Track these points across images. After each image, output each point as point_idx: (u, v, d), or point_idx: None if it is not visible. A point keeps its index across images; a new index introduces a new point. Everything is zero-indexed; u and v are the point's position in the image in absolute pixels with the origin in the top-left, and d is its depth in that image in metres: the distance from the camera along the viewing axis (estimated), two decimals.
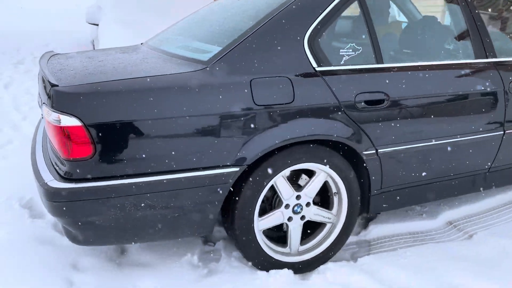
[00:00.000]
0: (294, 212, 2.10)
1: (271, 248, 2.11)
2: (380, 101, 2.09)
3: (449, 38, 2.52)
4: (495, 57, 2.43)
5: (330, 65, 2.05)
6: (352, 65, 2.10)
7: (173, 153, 1.79)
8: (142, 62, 2.12)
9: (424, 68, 2.23)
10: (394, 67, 2.17)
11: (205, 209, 1.90)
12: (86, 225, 1.79)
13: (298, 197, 2.09)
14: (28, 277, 1.96)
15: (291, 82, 1.94)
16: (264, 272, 2.06)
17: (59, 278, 1.98)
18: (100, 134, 1.70)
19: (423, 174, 2.29)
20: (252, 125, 1.87)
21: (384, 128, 2.12)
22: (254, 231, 2.01)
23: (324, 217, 2.17)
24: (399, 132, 2.16)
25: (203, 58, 1.98)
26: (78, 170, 1.72)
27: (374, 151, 2.12)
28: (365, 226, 2.62)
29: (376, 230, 2.55)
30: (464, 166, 2.41)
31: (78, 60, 2.22)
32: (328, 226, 2.21)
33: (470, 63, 2.39)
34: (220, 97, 1.82)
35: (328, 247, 2.20)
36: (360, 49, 2.11)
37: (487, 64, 2.41)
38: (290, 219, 2.11)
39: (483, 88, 2.33)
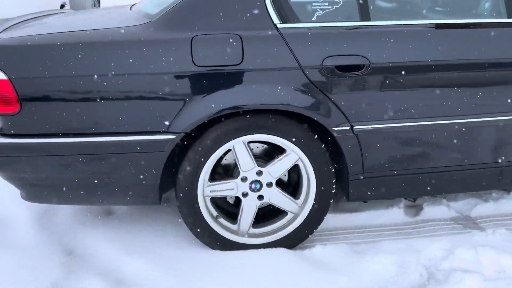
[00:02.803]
0: (252, 189, 1.82)
1: (218, 223, 1.86)
2: (357, 67, 1.72)
3: None
4: None
5: (297, 22, 1.73)
6: (326, 22, 1.76)
7: (102, 114, 1.65)
8: (98, 18, 1.97)
9: (424, 27, 1.82)
10: (382, 26, 1.80)
11: (142, 177, 1.72)
12: (21, 181, 1.74)
13: (259, 173, 1.81)
14: None
15: (241, 41, 1.66)
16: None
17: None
18: (26, 90, 1.61)
19: (420, 160, 1.89)
20: (189, 89, 1.66)
21: (363, 101, 1.76)
22: (197, 199, 1.78)
23: (285, 204, 1.86)
24: (384, 107, 1.77)
25: (152, 12, 1.79)
26: (4, 126, 1.65)
27: (348, 128, 1.77)
28: None
29: None
30: (483, 155, 1.93)
31: (51, 19, 2.07)
32: (289, 215, 1.90)
33: (494, 23, 1.89)
34: (156, 55, 1.63)
35: (284, 236, 1.89)
36: (340, 2, 1.77)
37: None
38: (245, 194, 1.83)
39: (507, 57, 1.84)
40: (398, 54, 1.76)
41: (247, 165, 1.79)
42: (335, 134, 1.77)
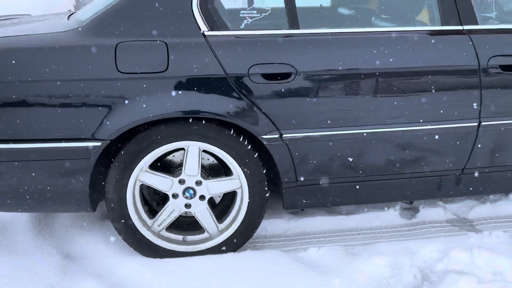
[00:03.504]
0: (184, 194, 1.80)
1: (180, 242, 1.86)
2: (284, 75, 1.72)
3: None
4: (475, 23, 1.86)
5: (225, 29, 1.74)
6: (253, 30, 1.77)
7: (27, 120, 1.62)
8: (35, 24, 1.97)
9: (355, 35, 1.81)
10: (310, 34, 1.78)
11: (70, 185, 1.70)
12: None
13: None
14: None
15: (167, 48, 1.66)
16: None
17: None
18: None
19: (354, 168, 1.87)
20: (113, 96, 1.64)
21: (291, 109, 1.75)
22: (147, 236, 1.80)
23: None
24: (312, 115, 1.76)
25: (83, 19, 1.79)
26: None
27: (277, 136, 1.76)
28: None
29: None
30: (422, 164, 1.91)
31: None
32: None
33: (430, 31, 1.90)
34: (82, 61, 1.63)
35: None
36: (268, 10, 1.78)
37: (457, 31, 1.86)
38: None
39: (445, 64, 1.81)
40: (325, 63, 1.76)
41: (192, 170, 1.78)
42: (265, 142, 1.76)
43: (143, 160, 1.72)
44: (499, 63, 1.82)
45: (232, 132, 1.74)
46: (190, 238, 1.89)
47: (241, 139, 1.75)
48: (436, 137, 1.85)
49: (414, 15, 2.08)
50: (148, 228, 1.83)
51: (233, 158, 1.77)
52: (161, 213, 1.82)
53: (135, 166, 1.72)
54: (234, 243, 1.87)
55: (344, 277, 1.74)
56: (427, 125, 1.84)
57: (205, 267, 1.78)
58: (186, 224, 1.94)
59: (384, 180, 1.92)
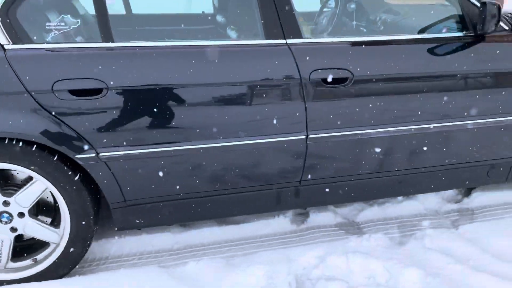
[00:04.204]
0: (1, 220, 1.69)
1: None
2: (94, 91, 1.62)
3: (223, 13, 2.08)
4: (299, 37, 1.82)
5: (29, 43, 1.60)
6: (60, 43, 1.64)
7: None
8: None
9: (172, 49, 1.72)
10: (124, 47, 1.68)
11: None
12: None
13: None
14: None
15: None
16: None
17: None
18: None
19: (189, 185, 1.81)
20: None
21: (106, 126, 1.65)
22: None
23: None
24: (130, 132, 1.67)
25: None
26: None
27: (94, 155, 1.67)
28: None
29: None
30: (258, 178, 1.90)
31: None
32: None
33: (253, 45, 1.83)
34: None
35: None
36: (78, 22, 1.68)
37: (279, 46, 1.80)
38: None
39: (267, 78, 1.76)
40: (139, 78, 1.66)
41: None
42: (80, 162, 1.67)
43: None
44: (321, 77, 1.80)
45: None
46: (40, 256, 1.80)
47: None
48: (269, 151, 1.85)
49: (236, 29, 2.07)
50: None
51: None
52: None
53: None
54: (79, 244, 1.78)
55: None
56: (258, 139, 1.81)
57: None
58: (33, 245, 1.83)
59: (218, 195, 1.90)
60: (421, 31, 2.05)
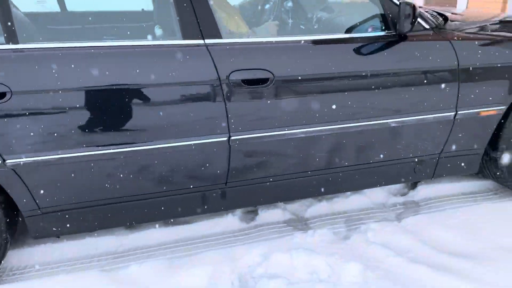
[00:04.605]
0: None
1: None
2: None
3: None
4: (218, 37, 1.78)
5: None
6: None
7: None
8: None
9: (70, 50, 1.64)
10: (28, 49, 1.60)
11: None
12: None
13: None
14: None
15: None
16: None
17: None
18: None
19: (105, 190, 1.77)
20: None
21: (9, 132, 1.58)
22: None
23: None
24: (36, 138, 1.61)
25: None
26: None
27: (0, 162, 1.62)
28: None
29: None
30: (178, 181, 1.86)
31: None
32: None
33: (167, 45, 1.77)
34: None
35: None
36: None
37: (196, 46, 1.75)
38: None
39: (181, 81, 1.71)
40: (43, 81, 1.59)
41: None
42: None
43: None
44: (241, 78, 1.77)
45: None
46: None
47: None
48: (193, 153, 1.82)
49: (162, 28, 2.02)
50: None
51: None
52: None
53: None
54: None
55: None
56: (179, 142, 1.77)
57: None
58: None
59: (138, 200, 1.86)
60: (349, 30, 2.03)
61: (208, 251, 1.99)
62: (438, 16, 2.39)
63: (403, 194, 2.50)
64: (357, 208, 2.36)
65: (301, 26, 2.36)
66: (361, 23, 1.99)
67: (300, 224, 2.24)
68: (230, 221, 2.23)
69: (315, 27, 2.29)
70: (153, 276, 1.82)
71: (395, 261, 1.87)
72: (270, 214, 2.28)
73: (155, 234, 2.12)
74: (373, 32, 2.00)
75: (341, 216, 2.30)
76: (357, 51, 1.92)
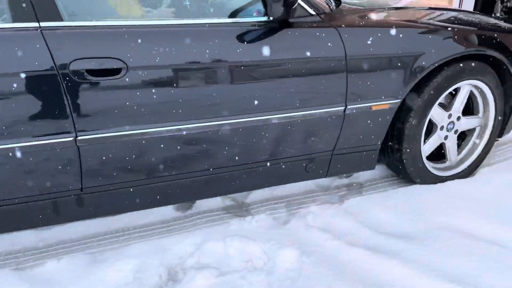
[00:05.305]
0: None
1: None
2: None
3: None
4: (59, 20, 1.53)
5: None
6: None
7: None
8: None
9: None
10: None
11: None
12: None
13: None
14: None
15: None
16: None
17: None
18: None
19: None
20: None
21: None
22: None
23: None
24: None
25: None
26: None
27: None
28: None
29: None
30: (25, 187, 1.61)
31: None
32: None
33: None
34: None
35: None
36: None
37: (25, 30, 1.48)
38: None
39: (10, 72, 1.45)
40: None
41: None
42: None
43: None
44: (86, 68, 1.52)
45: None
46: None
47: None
48: (39, 154, 1.57)
49: None
50: None
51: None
52: None
53: None
54: None
55: None
56: (22, 143, 1.52)
57: None
58: None
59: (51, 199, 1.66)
60: (233, 15, 1.79)
61: (137, 243, 1.85)
62: (331, 0, 2.18)
63: (348, 176, 2.43)
64: (300, 192, 2.27)
65: (192, 9, 2.10)
66: (245, 6, 1.77)
67: (240, 210, 2.14)
68: (164, 210, 2.08)
69: (210, 10, 2.06)
70: (71, 272, 1.67)
71: (332, 245, 1.80)
72: (209, 201, 2.15)
73: (79, 227, 1.95)
74: (257, 17, 1.77)
75: (283, 200, 2.21)
76: (237, 37, 1.68)
